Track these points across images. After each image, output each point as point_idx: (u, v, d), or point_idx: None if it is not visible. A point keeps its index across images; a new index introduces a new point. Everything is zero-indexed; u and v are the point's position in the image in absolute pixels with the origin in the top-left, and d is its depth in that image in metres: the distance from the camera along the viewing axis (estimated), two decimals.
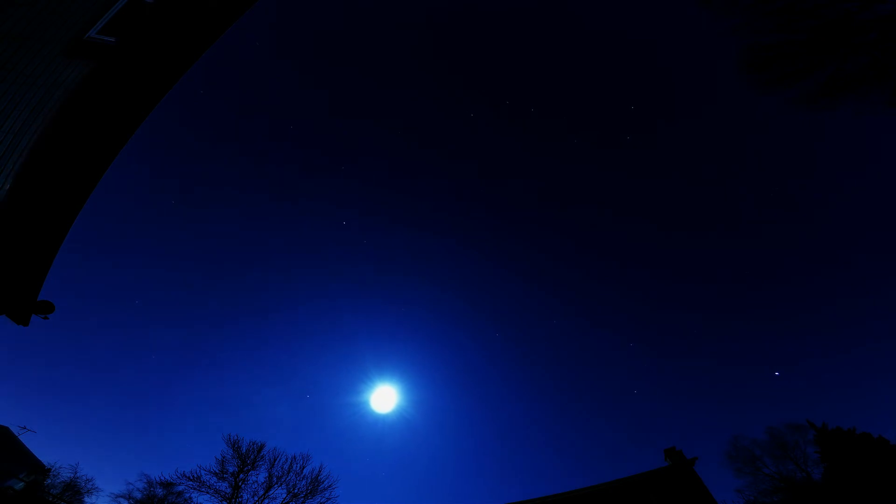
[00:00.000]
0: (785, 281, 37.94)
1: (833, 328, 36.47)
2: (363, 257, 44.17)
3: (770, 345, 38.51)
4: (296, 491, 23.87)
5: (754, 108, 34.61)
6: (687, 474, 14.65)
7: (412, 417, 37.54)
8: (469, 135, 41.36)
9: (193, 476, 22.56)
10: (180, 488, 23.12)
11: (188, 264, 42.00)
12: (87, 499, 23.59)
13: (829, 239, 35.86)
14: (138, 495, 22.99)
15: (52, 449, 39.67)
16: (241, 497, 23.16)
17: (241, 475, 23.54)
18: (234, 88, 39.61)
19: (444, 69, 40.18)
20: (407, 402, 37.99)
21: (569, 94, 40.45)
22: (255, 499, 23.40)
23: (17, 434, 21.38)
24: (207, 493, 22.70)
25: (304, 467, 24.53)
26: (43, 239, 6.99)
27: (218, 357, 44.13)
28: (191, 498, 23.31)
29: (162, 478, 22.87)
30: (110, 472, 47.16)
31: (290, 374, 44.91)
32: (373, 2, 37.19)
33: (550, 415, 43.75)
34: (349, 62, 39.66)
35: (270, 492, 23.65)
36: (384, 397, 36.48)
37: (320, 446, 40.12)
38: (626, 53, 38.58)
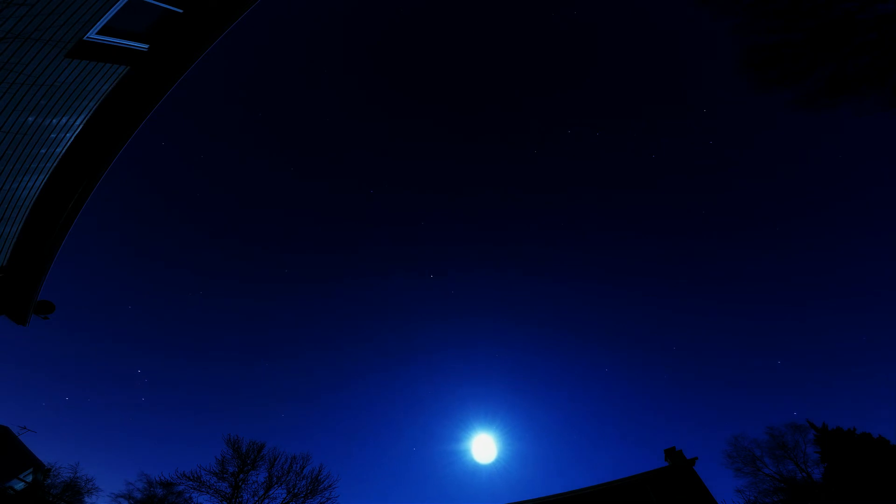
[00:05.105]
0: (785, 280, 37.95)
1: (833, 328, 36.48)
2: (454, 306, 44.84)
3: (771, 344, 38.50)
4: (296, 491, 23.90)
5: (753, 109, 34.61)
6: (687, 474, 14.66)
7: (508, 463, 36.06)
8: (535, 169, 42.18)
9: (193, 476, 22.62)
10: (180, 488, 23.17)
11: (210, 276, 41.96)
12: (87, 499, 23.65)
13: (829, 239, 35.87)
14: (138, 495, 23.03)
15: (52, 449, 39.64)
16: (241, 497, 23.19)
17: (241, 475, 23.57)
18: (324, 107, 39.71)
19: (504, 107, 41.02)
20: (505, 449, 36.17)
21: (571, 99, 40.49)
22: (255, 499, 23.43)
23: (17, 434, 21.38)
24: (207, 493, 22.75)
25: (304, 467, 24.59)
26: (43, 239, 7.00)
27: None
28: (191, 498, 23.35)
29: (162, 478, 22.93)
30: (110, 472, 47.14)
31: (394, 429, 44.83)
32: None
33: (548, 415, 43.74)
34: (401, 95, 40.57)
35: (270, 492, 23.70)
36: (484, 446, 34.84)
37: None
38: (625, 53, 38.60)
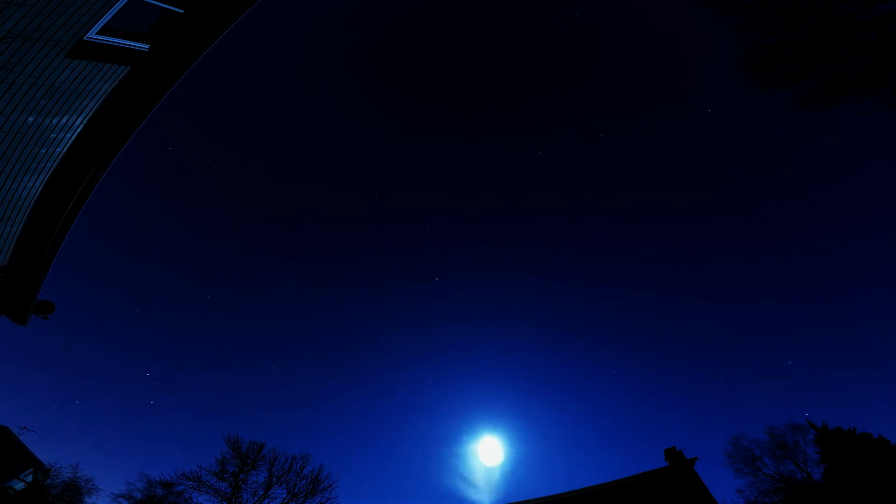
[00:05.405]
0: (785, 281, 37.95)
1: (833, 328, 36.48)
2: (458, 309, 45.04)
3: (771, 344, 38.50)
4: (296, 491, 23.91)
5: (753, 109, 34.62)
6: (687, 474, 14.66)
7: (514, 466, 36.09)
8: (539, 168, 42.36)
9: (193, 476, 22.63)
10: (180, 488, 23.17)
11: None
12: (87, 499, 23.65)
13: (829, 239, 35.87)
14: (138, 495, 23.04)
15: (52, 449, 39.62)
16: (241, 497, 23.20)
17: (241, 475, 23.58)
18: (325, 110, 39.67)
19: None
20: (512, 452, 36.17)
21: (571, 99, 40.50)
22: (255, 499, 23.43)
23: (17, 434, 21.38)
24: (207, 493, 22.76)
25: (304, 467, 24.59)
26: (44, 239, 7.00)
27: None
28: (191, 498, 23.35)
29: (162, 478, 22.94)
30: (110, 472, 47.13)
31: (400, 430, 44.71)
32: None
33: (549, 415, 43.74)
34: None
35: (270, 492, 23.70)
36: (491, 449, 34.81)
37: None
38: (625, 54, 38.61)
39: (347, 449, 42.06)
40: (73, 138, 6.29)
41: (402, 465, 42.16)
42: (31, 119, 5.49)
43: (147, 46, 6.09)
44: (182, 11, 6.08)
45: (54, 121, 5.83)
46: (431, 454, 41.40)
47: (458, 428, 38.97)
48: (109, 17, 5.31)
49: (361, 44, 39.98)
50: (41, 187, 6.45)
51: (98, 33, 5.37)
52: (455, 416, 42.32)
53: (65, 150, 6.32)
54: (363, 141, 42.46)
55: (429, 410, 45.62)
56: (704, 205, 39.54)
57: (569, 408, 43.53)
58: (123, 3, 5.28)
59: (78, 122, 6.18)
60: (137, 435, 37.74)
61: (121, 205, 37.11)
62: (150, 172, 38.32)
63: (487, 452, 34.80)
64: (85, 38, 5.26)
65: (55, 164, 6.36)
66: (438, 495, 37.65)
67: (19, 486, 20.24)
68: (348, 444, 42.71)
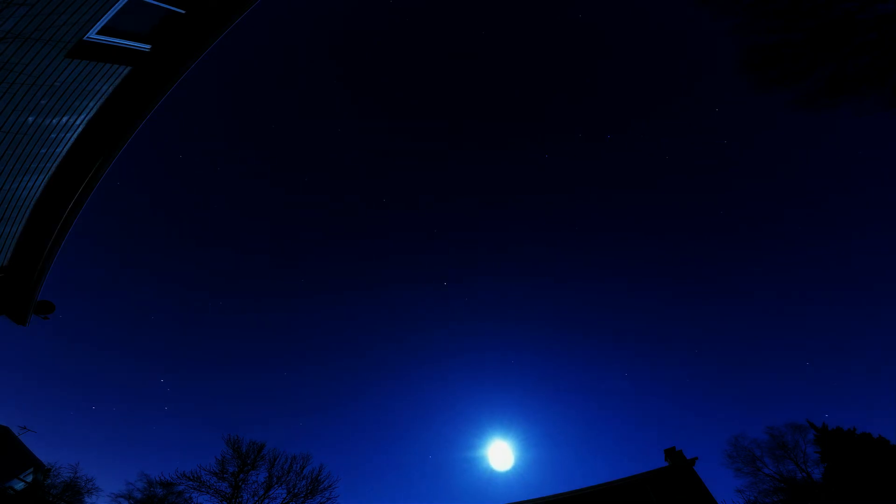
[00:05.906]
0: (785, 280, 37.97)
1: (833, 328, 36.49)
2: (467, 313, 45.28)
3: (770, 344, 38.52)
4: (296, 491, 23.92)
5: (754, 108, 34.63)
6: (687, 474, 14.66)
7: (526, 472, 35.57)
8: (546, 174, 42.58)
9: (193, 476, 22.64)
10: (180, 488, 23.17)
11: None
12: (87, 499, 23.66)
13: (829, 239, 35.89)
14: (138, 495, 23.03)
15: (52, 449, 39.62)
16: (241, 497, 23.20)
17: (241, 475, 23.58)
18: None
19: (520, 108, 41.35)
20: (522, 457, 35.77)
21: (572, 100, 40.52)
22: (255, 499, 23.44)
23: (17, 434, 21.37)
24: (207, 493, 22.77)
25: (304, 467, 24.60)
26: (44, 239, 7.00)
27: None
28: (191, 498, 23.35)
29: (162, 478, 22.94)
30: (110, 472, 47.12)
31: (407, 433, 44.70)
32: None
33: (549, 415, 43.73)
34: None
35: (270, 492, 23.71)
36: (501, 453, 33.97)
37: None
38: (625, 54, 38.63)
39: (355, 453, 42.17)
40: (73, 138, 6.29)
41: (411, 471, 42.24)
42: (31, 119, 5.49)
43: (148, 47, 6.09)
44: (183, 12, 6.08)
45: (55, 121, 5.82)
46: (440, 460, 41.39)
47: (468, 433, 39.04)
48: (110, 17, 5.31)
49: (361, 44, 40.02)
50: (41, 187, 6.45)
51: (98, 33, 5.37)
52: (466, 420, 42.53)
53: (65, 150, 6.32)
54: (363, 141, 42.47)
55: (438, 415, 45.68)
56: (704, 205, 39.56)
57: (569, 408, 43.59)
58: (124, 3, 5.28)
59: (78, 123, 6.18)
60: (138, 435, 37.79)
61: (120, 205, 37.14)
62: (151, 172, 38.35)
63: (498, 457, 34.65)
64: (85, 38, 5.27)
65: (55, 165, 6.36)
66: (449, 498, 37.72)
67: (19, 486, 20.23)
68: (356, 449, 42.82)
